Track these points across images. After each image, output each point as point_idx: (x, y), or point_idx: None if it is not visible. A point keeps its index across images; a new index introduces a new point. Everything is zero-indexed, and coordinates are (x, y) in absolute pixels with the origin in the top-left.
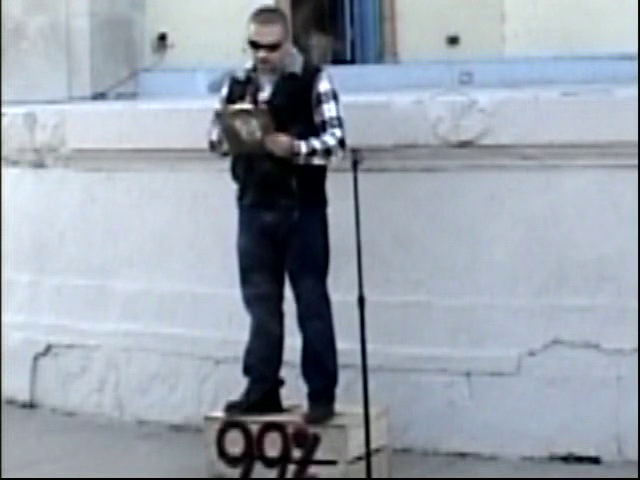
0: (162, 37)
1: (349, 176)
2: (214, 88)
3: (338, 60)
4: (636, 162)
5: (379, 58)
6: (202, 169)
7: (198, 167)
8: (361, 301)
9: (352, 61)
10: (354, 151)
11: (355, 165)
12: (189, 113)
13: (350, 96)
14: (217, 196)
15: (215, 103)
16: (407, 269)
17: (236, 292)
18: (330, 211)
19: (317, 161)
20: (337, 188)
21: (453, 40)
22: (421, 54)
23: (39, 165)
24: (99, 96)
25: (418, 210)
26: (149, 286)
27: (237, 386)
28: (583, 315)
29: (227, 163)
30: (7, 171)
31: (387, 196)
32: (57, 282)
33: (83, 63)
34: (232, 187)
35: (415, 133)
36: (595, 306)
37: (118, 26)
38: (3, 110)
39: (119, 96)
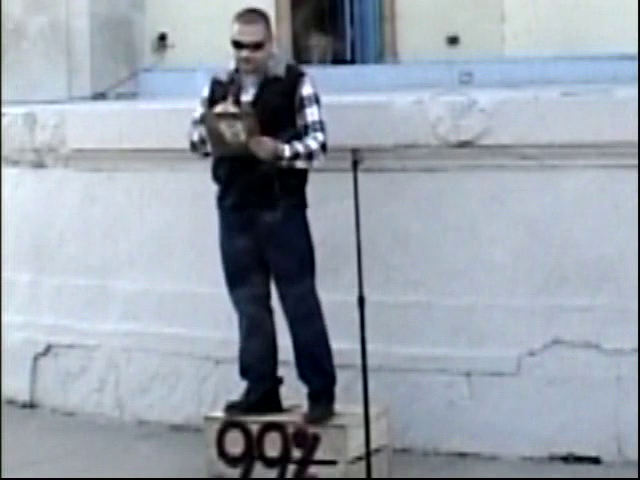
0: (162, 37)
1: (349, 176)
2: None
3: (338, 60)
4: (636, 162)
5: (379, 58)
6: (202, 169)
7: (198, 167)
8: (361, 301)
9: (352, 61)
10: (354, 151)
11: (355, 165)
12: (189, 113)
13: (350, 96)
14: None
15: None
16: (407, 269)
17: None
18: (330, 211)
19: (300, 164)
20: (337, 188)
21: (453, 40)
22: (421, 54)
23: (39, 165)
24: (99, 96)
25: (418, 210)
26: (149, 286)
27: (237, 386)
28: (583, 315)
29: None
30: (7, 171)
31: (387, 196)
32: (57, 282)
33: (83, 63)
34: None
35: (415, 133)
36: (595, 306)
37: (118, 26)
38: (3, 110)
39: (119, 96)
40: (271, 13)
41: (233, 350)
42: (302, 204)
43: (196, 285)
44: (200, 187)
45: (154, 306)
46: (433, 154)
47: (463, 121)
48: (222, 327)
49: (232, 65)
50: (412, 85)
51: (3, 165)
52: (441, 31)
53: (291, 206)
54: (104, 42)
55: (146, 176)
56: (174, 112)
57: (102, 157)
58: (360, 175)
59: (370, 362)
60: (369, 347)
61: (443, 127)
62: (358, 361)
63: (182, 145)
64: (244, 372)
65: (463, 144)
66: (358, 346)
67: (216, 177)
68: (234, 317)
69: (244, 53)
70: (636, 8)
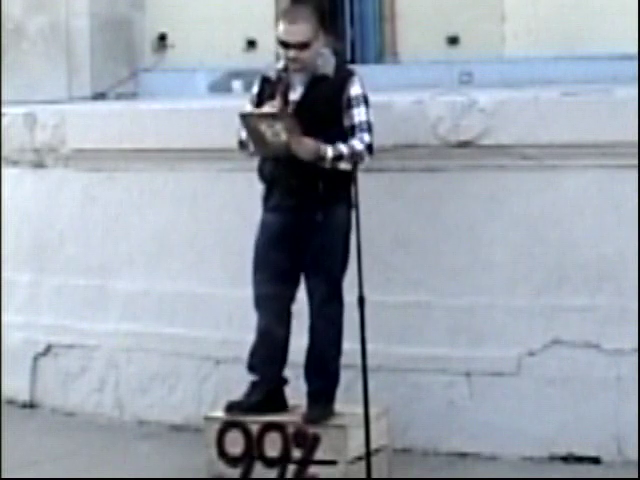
0: (162, 37)
1: None
2: (214, 88)
3: None
4: (636, 162)
5: (379, 58)
6: (202, 169)
7: (198, 167)
8: (361, 301)
9: (352, 61)
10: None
11: (355, 165)
12: (189, 113)
13: None
14: (217, 196)
15: (215, 103)
16: (407, 269)
17: (236, 292)
18: None
19: (343, 166)
20: None
21: (453, 40)
22: (421, 54)
23: (39, 165)
24: (99, 96)
25: (418, 210)
26: (149, 286)
27: (237, 386)
28: (583, 315)
29: (227, 163)
30: (7, 171)
31: (387, 196)
32: (57, 282)
33: (83, 63)
34: (232, 187)
35: (415, 133)
36: (595, 306)
37: (118, 26)
38: (3, 110)
39: (119, 96)
40: (271, 13)
41: (233, 350)
42: (347, 205)
43: (196, 285)
44: (200, 187)
45: (154, 306)
46: (433, 154)
47: (463, 121)
48: (222, 327)
49: (281, 64)
50: (412, 85)
51: (3, 165)
52: (441, 31)
53: (335, 206)
54: (104, 42)
55: (146, 176)
56: (174, 112)
57: (102, 157)
58: (360, 175)
59: (370, 362)
60: (369, 347)
61: (443, 127)
62: (358, 361)
63: (182, 145)
64: (251, 368)
65: (463, 144)
66: (358, 346)
67: (261, 177)
68: (234, 317)
69: (291, 53)
70: (636, 8)
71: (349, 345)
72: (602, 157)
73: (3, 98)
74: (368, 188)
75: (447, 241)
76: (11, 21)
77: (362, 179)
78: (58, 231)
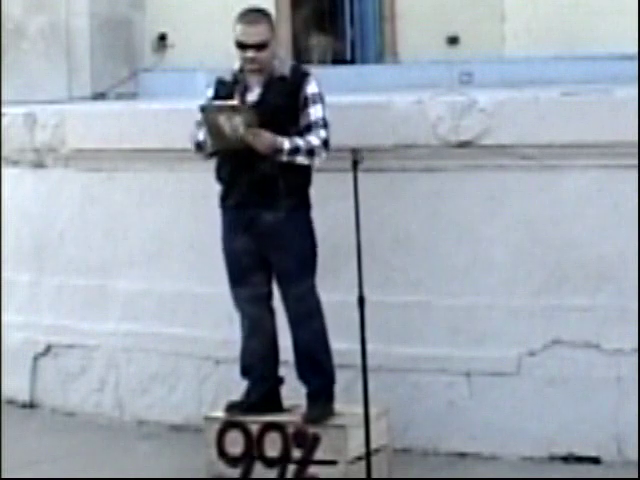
0: (162, 37)
1: (349, 176)
2: None
3: (338, 60)
4: (636, 162)
5: (379, 58)
6: (202, 169)
7: (198, 167)
8: (361, 301)
9: (352, 61)
10: (354, 151)
11: (355, 165)
12: (189, 113)
13: (350, 96)
14: (217, 196)
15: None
16: (407, 269)
17: None
18: (330, 211)
19: (300, 160)
20: (337, 188)
21: (453, 40)
22: (421, 54)
23: (39, 165)
24: (99, 96)
25: (418, 210)
26: (149, 286)
27: (237, 386)
28: (583, 315)
29: None
30: (7, 171)
31: (387, 196)
32: (57, 282)
33: (83, 63)
34: None
35: (415, 133)
36: (595, 306)
37: (118, 26)
38: (3, 110)
39: (119, 96)
40: (271, 13)
41: (233, 350)
42: (305, 204)
43: (196, 285)
44: (200, 187)
45: (154, 306)
46: (433, 154)
47: (463, 121)
48: (222, 327)
49: (236, 65)
50: (412, 85)
51: (3, 165)
52: (441, 31)
53: (294, 206)
54: (104, 42)
55: (146, 176)
56: (174, 112)
57: (102, 157)
58: (360, 175)
59: (370, 362)
60: (369, 347)
61: (443, 127)
62: (358, 361)
63: (182, 145)
64: (245, 372)
65: (463, 144)
66: (358, 346)
67: (219, 177)
68: (234, 317)
69: (249, 53)
70: (636, 8)
71: (349, 345)
72: (602, 157)
73: (3, 98)
74: (368, 188)
75: (447, 241)
76: (11, 21)
77: (362, 179)
78: (58, 231)
